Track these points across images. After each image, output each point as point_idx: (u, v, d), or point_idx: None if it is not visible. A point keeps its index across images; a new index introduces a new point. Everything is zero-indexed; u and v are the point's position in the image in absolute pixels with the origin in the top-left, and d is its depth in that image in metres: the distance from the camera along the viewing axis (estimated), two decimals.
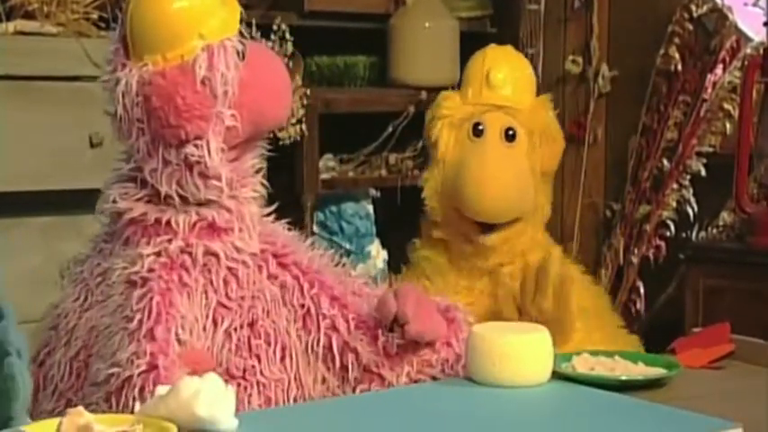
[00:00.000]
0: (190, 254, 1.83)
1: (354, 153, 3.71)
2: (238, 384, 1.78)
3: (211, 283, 1.84)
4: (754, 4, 3.44)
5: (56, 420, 1.41)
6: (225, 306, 1.84)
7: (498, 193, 2.47)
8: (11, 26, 2.80)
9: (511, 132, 2.47)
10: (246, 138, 1.86)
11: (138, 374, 1.69)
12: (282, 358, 1.84)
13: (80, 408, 1.42)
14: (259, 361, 1.82)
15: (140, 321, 1.75)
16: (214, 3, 1.83)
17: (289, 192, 3.14)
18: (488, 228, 2.52)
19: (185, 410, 1.42)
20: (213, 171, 1.81)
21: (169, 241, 1.82)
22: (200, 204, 1.84)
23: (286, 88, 1.92)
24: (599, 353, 1.84)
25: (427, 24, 3.70)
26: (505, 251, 2.52)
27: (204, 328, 1.81)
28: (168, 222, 1.83)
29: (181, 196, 1.82)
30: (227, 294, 1.84)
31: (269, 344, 1.84)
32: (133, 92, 1.80)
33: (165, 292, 1.78)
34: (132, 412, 1.51)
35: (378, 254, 3.66)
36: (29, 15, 2.85)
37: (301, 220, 3.23)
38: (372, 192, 3.75)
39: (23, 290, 2.80)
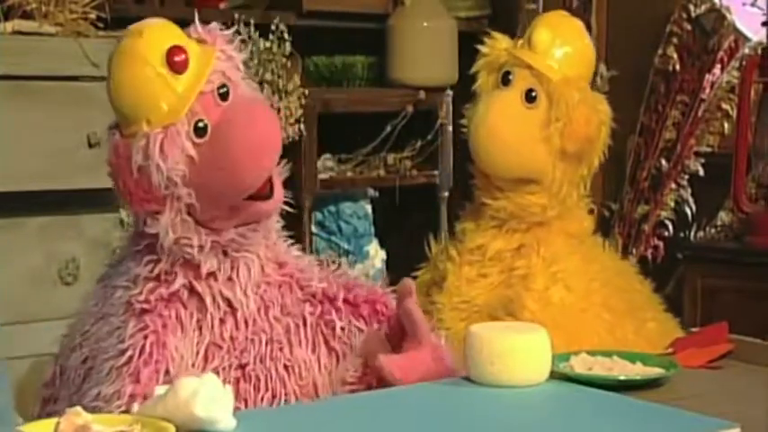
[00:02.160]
0: (197, 293, 1.82)
1: (353, 153, 3.71)
2: None
3: (208, 320, 1.83)
4: (753, 4, 3.44)
5: (54, 420, 1.41)
6: (218, 345, 1.83)
7: (492, 145, 2.46)
8: (9, 26, 2.80)
9: (533, 94, 2.45)
10: (216, 213, 1.80)
11: (119, 413, 1.69)
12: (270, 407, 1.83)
13: (78, 408, 1.42)
14: (246, 405, 1.81)
15: (130, 357, 1.75)
16: (166, 85, 1.77)
17: (287, 191, 3.14)
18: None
19: (183, 410, 1.42)
20: (168, 245, 1.78)
21: (155, 262, 1.81)
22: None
23: (252, 160, 1.77)
24: (597, 353, 1.84)
25: (425, 24, 3.70)
26: (517, 203, 2.49)
27: (194, 365, 1.80)
28: (161, 245, 1.81)
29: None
30: (221, 335, 1.83)
31: (257, 390, 1.83)
32: (118, 171, 1.81)
33: (160, 331, 1.77)
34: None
35: (376, 254, 3.67)
36: (27, 15, 2.85)
37: (299, 219, 3.24)
38: (371, 192, 3.75)
39: (22, 289, 2.82)
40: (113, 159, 1.79)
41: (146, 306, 1.79)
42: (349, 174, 3.66)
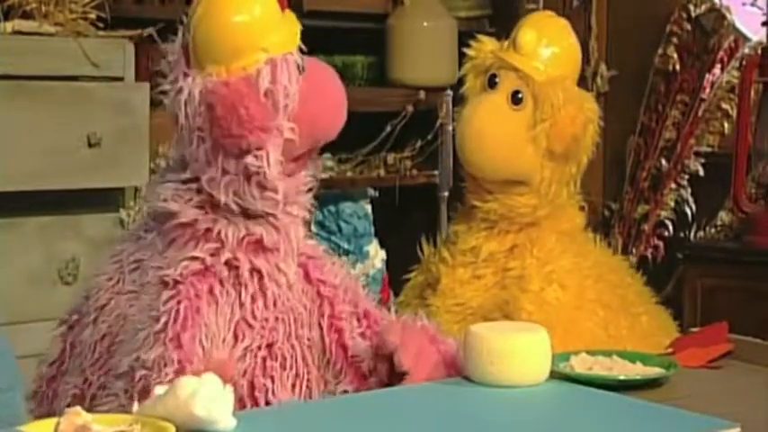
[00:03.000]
0: (235, 267, 1.84)
1: (353, 153, 3.71)
2: (247, 403, 1.79)
3: (240, 298, 1.84)
4: (752, 4, 3.44)
5: (54, 420, 1.41)
6: (248, 324, 1.84)
7: (478, 148, 2.47)
8: (9, 26, 2.80)
9: (519, 95, 2.46)
10: (302, 151, 1.87)
11: (168, 381, 1.69)
12: (293, 385, 1.84)
13: (78, 408, 1.42)
14: (273, 382, 1.83)
15: (166, 323, 1.76)
16: (276, 18, 1.84)
17: None
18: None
19: (183, 410, 1.42)
20: (271, 183, 1.82)
21: (216, 251, 1.83)
22: (249, 218, 1.85)
23: (342, 101, 1.92)
24: (597, 352, 1.84)
25: (426, 24, 3.70)
26: (507, 204, 2.49)
27: (224, 341, 1.81)
28: (218, 233, 1.84)
29: (238, 205, 1.83)
30: (252, 312, 1.85)
31: (284, 368, 1.85)
32: (196, 101, 1.80)
33: (194, 299, 1.79)
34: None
35: (376, 254, 3.66)
36: (27, 15, 2.85)
37: None
38: (371, 191, 3.75)
39: (22, 289, 2.82)
40: (224, 91, 1.79)
41: (178, 278, 1.80)
42: (349, 173, 3.67)
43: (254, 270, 1.85)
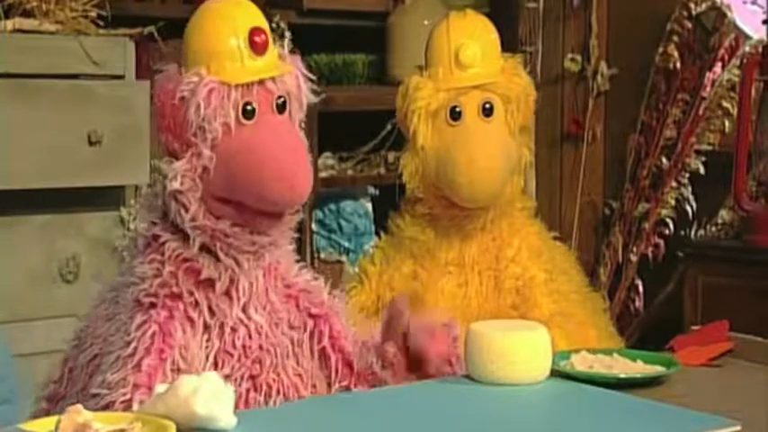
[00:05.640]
0: (190, 292, 1.80)
1: (353, 151, 3.71)
2: None
3: (221, 326, 1.81)
4: (753, 2, 3.44)
5: (54, 418, 1.41)
6: (228, 353, 1.81)
7: (490, 180, 2.43)
8: (9, 24, 2.80)
9: (488, 106, 2.44)
10: (223, 195, 1.78)
11: (120, 402, 1.69)
12: None
13: (78, 406, 1.42)
14: None
15: (135, 348, 1.74)
16: (238, 49, 1.78)
17: None
18: None
19: (184, 408, 1.42)
20: (172, 189, 1.77)
21: (161, 264, 1.79)
22: (191, 243, 1.79)
23: (278, 180, 1.75)
24: (597, 351, 1.84)
25: (426, 22, 3.69)
26: (499, 204, 2.49)
27: (204, 369, 1.79)
28: (162, 244, 1.80)
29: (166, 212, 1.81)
30: (232, 343, 1.81)
31: (268, 398, 1.82)
32: (160, 89, 1.82)
33: (166, 321, 1.76)
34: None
35: None
36: (27, 13, 2.85)
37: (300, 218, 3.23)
38: (371, 190, 3.75)
39: (22, 287, 2.82)
40: (163, 82, 1.80)
41: (153, 300, 1.78)
42: (349, 172, 3.66)
43: (196, 301, 1.80)
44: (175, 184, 1.77)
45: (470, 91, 2.43)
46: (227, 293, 1.80)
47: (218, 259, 1.79)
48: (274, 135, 1.77)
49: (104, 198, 2.96)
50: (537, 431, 1.56)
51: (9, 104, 2.74)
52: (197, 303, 1.79)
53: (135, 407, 1.65)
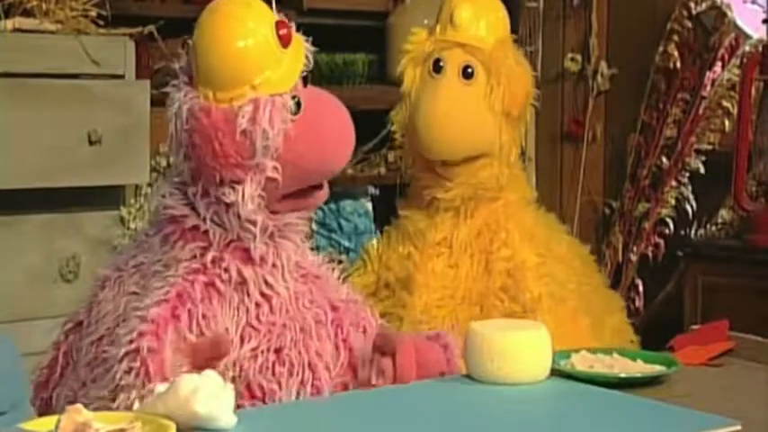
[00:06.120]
0: (225, 269, 1.83)
1: (353, 150, 3.70)
2: (254, 404, 1.79)
3: (243, 302, 1.84)
4: (753, 2, 3.44)
5: (54, 418, 1.41)
6: (254, 327, 1.84)
7: (447, 132, 2.50)
8: (9, 23, 2.80)
9: (470, 70, 2.49)
10: (290, 190, 1.84)
11: (125, 353, 1.71)
12: (298, 393, 1.84)
13: (78, 405, 1.42)
14: (280, 387, 1.83)
15: (147, 304, 1.77)
16: (274, 54, 1.81)
17: None
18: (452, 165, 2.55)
19: (184, 408, 1.42)
20: (246, 215, 1.81)
21: (204, 249, 1.83)
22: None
23: (340, 142, 1.90)
24: (598, 350, 1.84)
25: (426, 22, 3.69)
26: (472, 184, 2.53)
27: (231, 341, 1.81)
28: (206, 232, 1.83)
29: (216, 224, 1.83)
30: (257, 317, 1.85)
31: (291, 374, 1.85)
32: (183, 117, 1.80)
33: (187, 287, 1.79)
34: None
35: None
36: (27, 13, 2.85)
37: None
38: (371, 189, 3.75)
39: (22, 286, 2.82)
40: (204, 120, 1.78)
41: (182, 275, 1.81)
42: (350, 171, 3.66)
43: (241, 277, 1.84)
44: (250, 208, 1.80)
45: (456, 49, 2.50)
46: (274, 266, 1.86)
47: (269, 240, 1.84)
48: (317, 107, 1.86)
49: (104, 198, 2.96)
50: (537, 431, 1.55)
51: (9, 104, 2.74)
52: (230, 276, 1.83)
53: (143, 354, 1.68)
